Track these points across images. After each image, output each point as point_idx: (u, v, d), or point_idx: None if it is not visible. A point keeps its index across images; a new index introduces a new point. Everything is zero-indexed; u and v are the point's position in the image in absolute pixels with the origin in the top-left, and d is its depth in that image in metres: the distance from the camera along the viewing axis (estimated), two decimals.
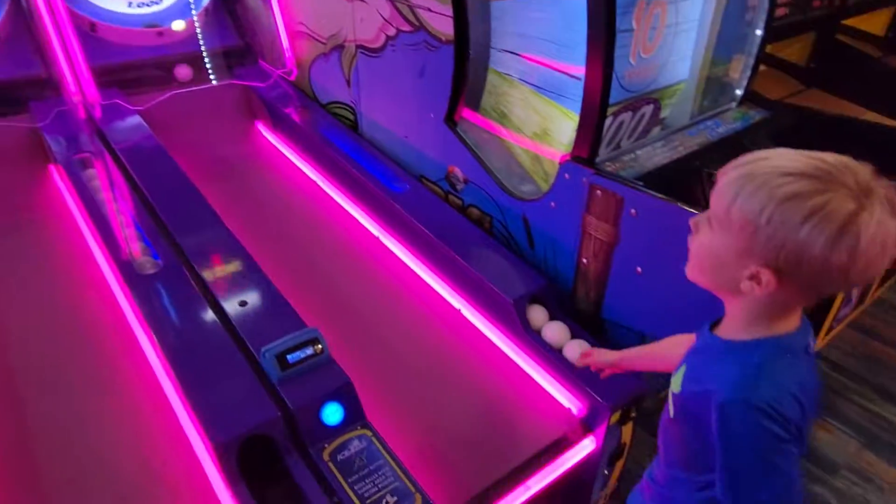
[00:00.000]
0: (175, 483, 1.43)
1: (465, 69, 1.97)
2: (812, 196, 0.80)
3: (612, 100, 1.88)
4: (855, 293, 2.63)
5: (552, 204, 1.85)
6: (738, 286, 0.88)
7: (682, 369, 1.03)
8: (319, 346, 1.50)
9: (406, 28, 2.10)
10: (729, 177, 0.87)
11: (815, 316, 2.40)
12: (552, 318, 1.80)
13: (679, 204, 1.52)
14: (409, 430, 1.57)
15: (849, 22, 2.96)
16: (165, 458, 1.48)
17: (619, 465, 1.73)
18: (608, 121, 1.94)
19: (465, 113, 2.10)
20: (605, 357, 1.42)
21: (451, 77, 1.99)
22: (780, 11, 2.44)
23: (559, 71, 1.82)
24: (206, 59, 2.80)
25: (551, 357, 1.69)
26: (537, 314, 1.80)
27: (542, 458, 1.54)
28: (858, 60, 2.74)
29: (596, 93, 1.64)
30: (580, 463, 1.60)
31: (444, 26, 1.96)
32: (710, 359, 0.99)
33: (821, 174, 0.81)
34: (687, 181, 1.78)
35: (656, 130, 2.10)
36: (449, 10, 1.90)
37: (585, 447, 1.60)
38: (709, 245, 0.92)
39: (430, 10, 1.98)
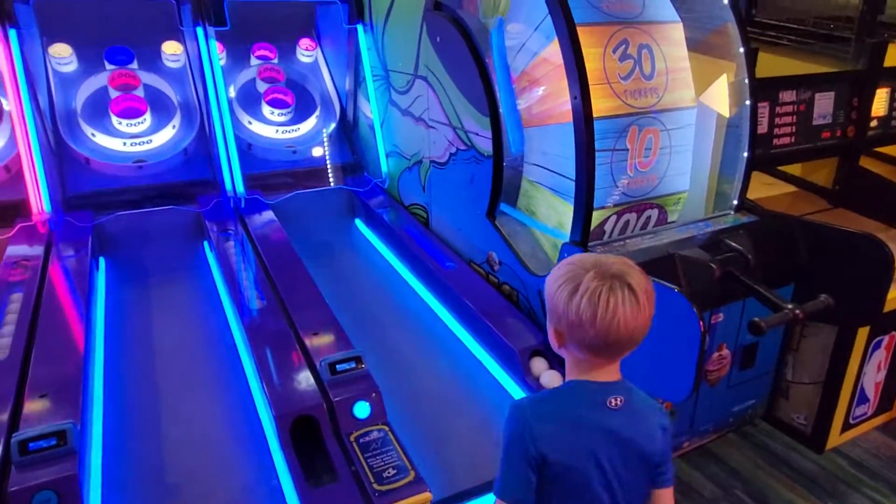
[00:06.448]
0: (246, 449, 2.01)
1: (500, 177, 2.60)
2: (567, 274, 1.17)
3: (612, 202, 2.41)
4: (874, 395, 2.76)
5: None
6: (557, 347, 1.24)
7: None
8: (361, 362, 2.06)
9: (462, 147, 2.80)
10: None
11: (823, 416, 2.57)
12: (551, 367, 2.23)
13: None
14: (421, 432, 2.06)
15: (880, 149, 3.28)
16: (241, 429, 2.08)
17: None
18: (613, 218, 2.45)
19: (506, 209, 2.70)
20: None
21: (490, 183, 2.62)
22: (784, 140, 2.88)
23: (566, 177, 2.39)
24: (328, 171, 3.68)
25: None
26: (538, 364, 2.24)
27: None
28: (878, 184, 3.03)
29: (582, 193, 2.18)
30: None
31: (486, 145, 2.62)
32: None
33: (585, 263, 1.17)
34: (661, 262, 2.21)
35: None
36: (489, 134, 2.57)
37: None
38: None
39: (477, 133, 2.66)
